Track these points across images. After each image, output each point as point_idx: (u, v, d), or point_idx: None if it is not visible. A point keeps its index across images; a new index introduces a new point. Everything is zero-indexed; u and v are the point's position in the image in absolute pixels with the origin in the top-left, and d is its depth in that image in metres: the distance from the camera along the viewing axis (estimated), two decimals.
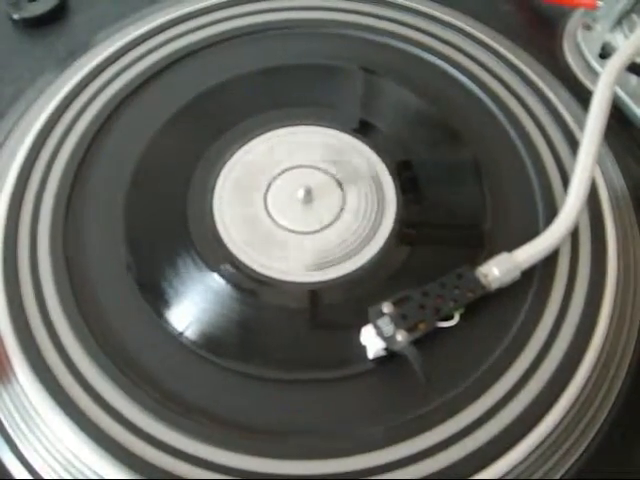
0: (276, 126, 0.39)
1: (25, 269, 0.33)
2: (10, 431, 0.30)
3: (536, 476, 0.30)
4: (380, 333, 0.30)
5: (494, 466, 0.29)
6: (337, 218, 0.36)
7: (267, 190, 0.37)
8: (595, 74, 0.43)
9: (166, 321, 0.32)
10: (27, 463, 0.30)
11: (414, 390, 0.30)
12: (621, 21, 0.44)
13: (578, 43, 0.45)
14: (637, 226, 0.37)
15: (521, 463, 0.29)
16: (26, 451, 0.30)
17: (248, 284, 0.33)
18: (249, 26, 0.43)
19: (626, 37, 0.44)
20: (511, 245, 0.33)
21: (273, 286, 0.33)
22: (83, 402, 0.30)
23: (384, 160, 0.38)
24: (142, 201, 0.36)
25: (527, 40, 0.45)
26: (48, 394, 0.30)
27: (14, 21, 0.45)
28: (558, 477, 0.30)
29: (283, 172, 0.37)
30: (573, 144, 0.38)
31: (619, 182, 0.39)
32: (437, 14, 0.45)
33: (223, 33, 0.43)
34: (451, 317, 0.31)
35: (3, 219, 0.35)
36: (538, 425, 0.30)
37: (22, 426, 0.30)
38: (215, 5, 0.44)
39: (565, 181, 0.37)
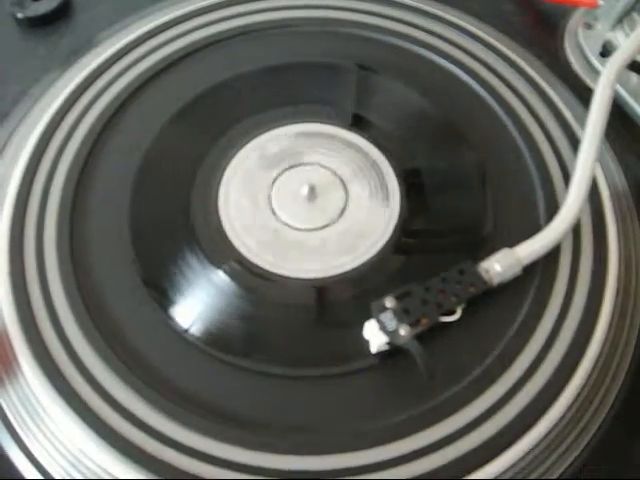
0: (279, 124, 0.39)
1: (31, 265, 0.33)
2: (18, 429, 0.31)
3: (533, 476, 0.30)
4: (383, 327, 0.30)
5: (493, 464, 0.29)
6: (341, 215, 0.36)
7: (271, 187, 0.37)
8: (596, 72, 0.43)
9: (171, 318, 0.32)
10: (36, 461, 0.30)
11: (417, 385, 0.30)
12: (622, 20, 0.45)
13: (579, 42, 0.45)
14: (638, 222, 0.37)
15: (522, 460, 0.29)
16: (34, 449, 0.30)
17: (252, 281, 0.33)
18: (248, 25, 0.43)
19: (627, 36, 0.44)
20: (513, 241, 0.33)
21: (277, 282, 0.33)
22: (90, 399, 0.30)
23: (386, 157, 0.38)
24: (147, 198, 0.36)
25: (528, 39, 0.45)
26: (55, 392, 0.30)
27: (18, 20, 0.45)
28: (556, 477, 0.30)
29: (287, 169, 0.37)
30: (574, 142, 0.38)
31: (620, 179, 0.39)
32: (438, 13, 0.45)
33: (223, 32, 0.43)
34: (453, 312, 0.31)
35: (9, 217, 0.35)
36: (538, 423, 0.30)
37: (30, 424, 0.30)
38: (215, 4, 0.44)
39: (566, 178, 0.37)
